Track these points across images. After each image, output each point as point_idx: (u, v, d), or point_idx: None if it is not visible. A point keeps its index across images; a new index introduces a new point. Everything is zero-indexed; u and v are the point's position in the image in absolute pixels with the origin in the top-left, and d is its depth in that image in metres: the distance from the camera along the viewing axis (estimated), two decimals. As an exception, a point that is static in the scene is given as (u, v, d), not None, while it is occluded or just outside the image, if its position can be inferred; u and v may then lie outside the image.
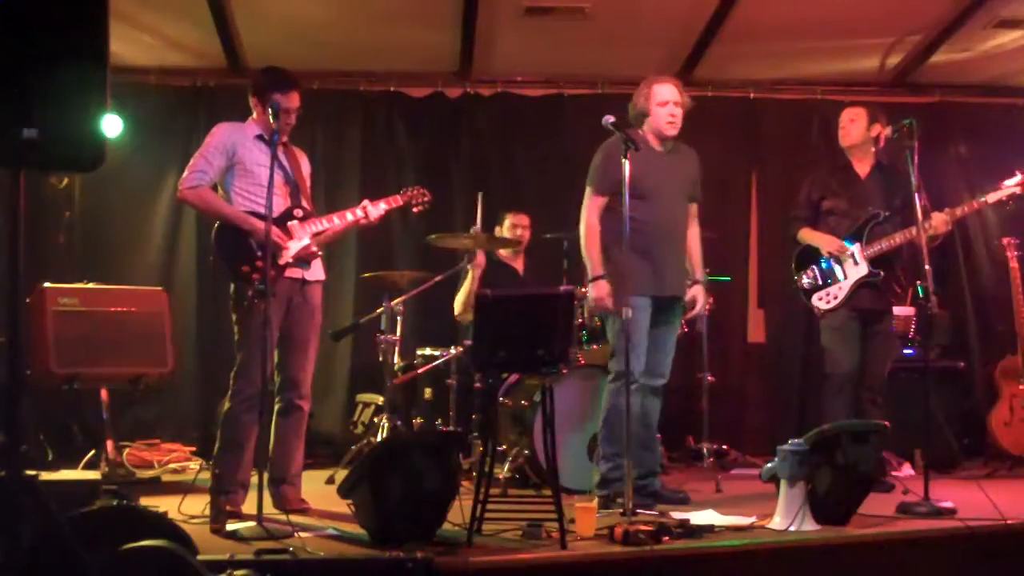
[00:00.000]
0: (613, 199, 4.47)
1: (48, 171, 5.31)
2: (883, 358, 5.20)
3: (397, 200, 4.74)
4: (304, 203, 4.47)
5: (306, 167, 4.64)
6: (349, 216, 4.56)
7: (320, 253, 4.48)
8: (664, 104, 4.60)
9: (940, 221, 4.96)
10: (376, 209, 4.59)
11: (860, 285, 5.13)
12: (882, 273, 5.11)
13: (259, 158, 4.34)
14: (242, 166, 4.35)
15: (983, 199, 5.09)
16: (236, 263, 4.25)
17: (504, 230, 6.11)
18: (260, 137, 4.38)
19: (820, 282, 5.23)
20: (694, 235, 4.79)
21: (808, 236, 5.33)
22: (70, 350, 5.23)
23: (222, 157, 4.34)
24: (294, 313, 4.41)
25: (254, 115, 4.46)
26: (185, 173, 4.33)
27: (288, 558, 3.27)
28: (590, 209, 4.60)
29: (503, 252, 6.25)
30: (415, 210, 4.85)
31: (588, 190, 4.63)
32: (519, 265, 6.23)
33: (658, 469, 4.71)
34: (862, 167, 5.29)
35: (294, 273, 4.38)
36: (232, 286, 4.33)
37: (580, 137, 5.67)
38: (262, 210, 4.24)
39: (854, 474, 4.04)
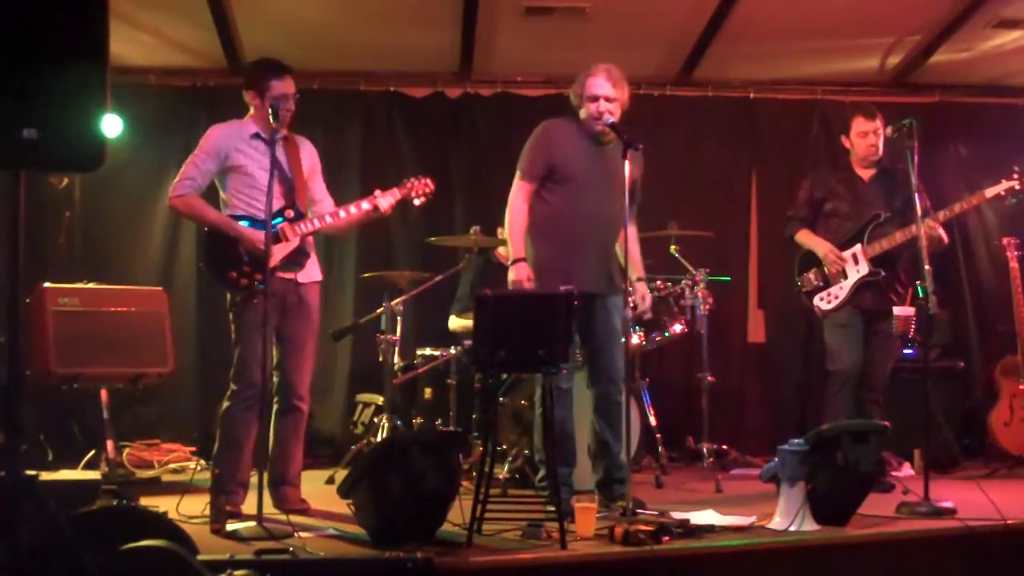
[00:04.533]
0: (543, 187, 4.38)
1: (48, 171, 5.30)
2: (885, 358, 5.21)
3: (396, 193, 4.71)
4: (298, 203, 4.41)
5: (308, 158, 4.56)
6: (353, 209, 4.50)
7: (310, 252, 4.46)
8: (594, 100, 4.32)
9: (931, 230, 4.94)
10: (386, 200, 4.50)
11: (861, 285, 5.13)
12: (883, 272, 5.12)
13: (255, 158, 4.33)
14: (236, 169, 4.33)
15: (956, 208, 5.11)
16: (223, 270, 4.24)
17: None
18: (257, 135, 4.36)
19: (821, 283, 5.24)
20: (632, 235, 4.46)
21: (805, 239, 5.32)
22: (70, 350, 5.22)
23: (213, 162, 4.32)
24: (289, 314, 4.40)
25: (251, 111, 4.44)
26: (176, 180, 4.32)
27: (288, 558, 3.27)
28: (516, 194, 4.41)
29: (502, 254, 6.24)
30: (418, 202, 4.71)
31: (516, 175, 4.43)
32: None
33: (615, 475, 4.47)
34: (866, 171, 5.28)
35: (286, 274, 4.36)
36: (228, 294, 4.33)
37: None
38: (256, 211, 4.26)
39: (854, 474, 4.04)
